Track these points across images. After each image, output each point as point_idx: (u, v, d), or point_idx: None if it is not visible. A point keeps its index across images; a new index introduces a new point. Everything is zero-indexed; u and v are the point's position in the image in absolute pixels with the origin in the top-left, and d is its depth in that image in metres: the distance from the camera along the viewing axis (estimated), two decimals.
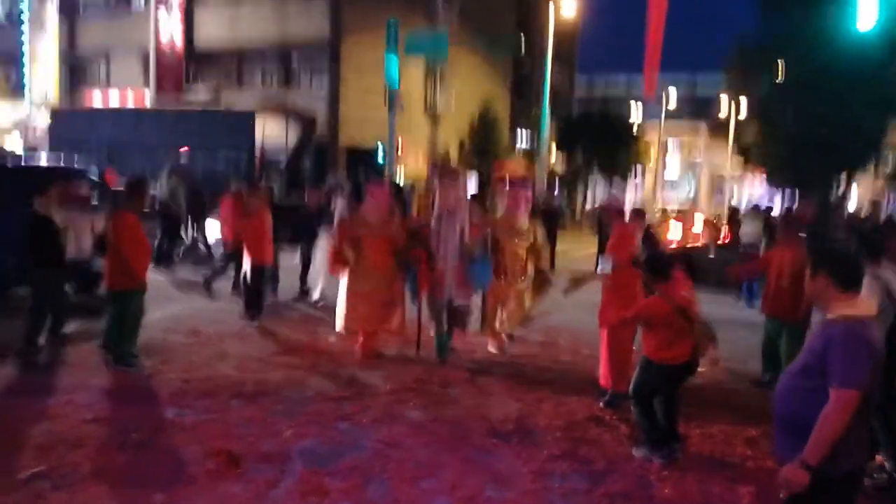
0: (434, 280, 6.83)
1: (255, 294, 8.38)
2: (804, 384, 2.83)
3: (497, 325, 7.38)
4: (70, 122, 10.77)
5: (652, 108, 47.45)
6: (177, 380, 6.14)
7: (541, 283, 7.53)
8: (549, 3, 24.89)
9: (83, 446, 4.69)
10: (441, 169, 6.78)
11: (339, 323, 7.16)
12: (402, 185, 16.24)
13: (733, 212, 19.33)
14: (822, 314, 2.99)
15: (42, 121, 21.93)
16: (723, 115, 36.04)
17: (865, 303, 2.94)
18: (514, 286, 7.28)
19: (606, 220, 9.38)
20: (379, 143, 20.80)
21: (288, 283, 9.88)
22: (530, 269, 7.37)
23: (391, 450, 4.79)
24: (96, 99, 27.10)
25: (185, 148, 15.09)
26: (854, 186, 25.22)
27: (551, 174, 26.24)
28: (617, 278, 5.92)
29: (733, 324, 8.19)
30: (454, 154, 28.46)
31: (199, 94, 18.79)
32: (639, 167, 36.64)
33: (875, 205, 25.18)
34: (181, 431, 4.99)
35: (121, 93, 23.96)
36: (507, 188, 8.02)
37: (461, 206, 6.87)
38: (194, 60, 26.17)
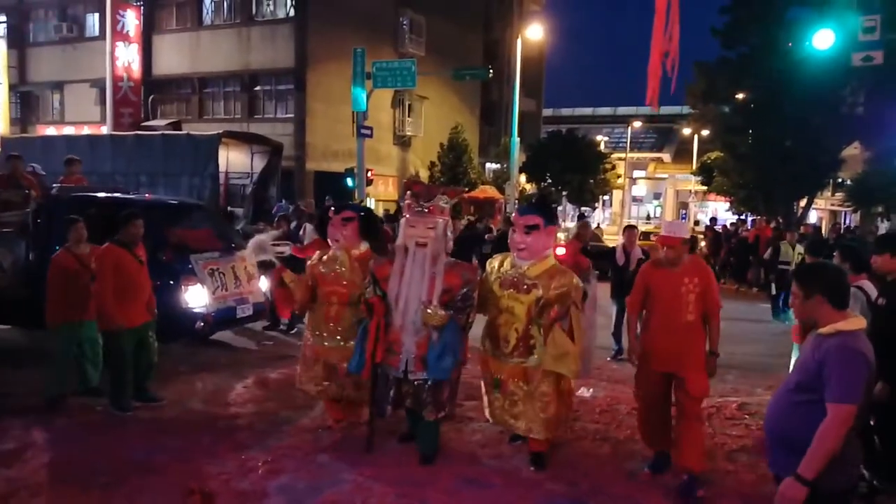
0: (387, 342, 4.73)
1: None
2: (798, 399, 2.84)
3: (498, 418, 4.94)
4: (21, 150, 10.31)
5: (616, 137, 48.47)
6: (146, 418, 5.86)
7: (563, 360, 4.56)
8: (515, 32, 25.18)
9: (45, 492, 4.42)
10: (413, 188, 4.86)
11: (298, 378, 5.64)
12: (372, 209, 15.68)
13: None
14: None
15: None
16: (685, 141, 36.83)
17: (858, 317, 2.94)
18: (507, 364, 4.74)
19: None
20: (346, 169, 20.65)
21: None
22: (538, 338, 4.64)
23: (372, 482, 4.58)
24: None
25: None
26: (812, 208, 25.79)
27: (522, 196, 26.30)
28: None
29: None
30: (424, 177, 28.41)
31: (158, 128, 18.44)
32: (606, 193, 36.97)
33: (834, 224, 25.71)
34: (151, 472, 4.73)
35: (76, 129, 23.40)
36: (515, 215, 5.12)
37: (438, 242, 4.68)
38: (153, 91, 25.80)
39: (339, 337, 5.24)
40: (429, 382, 4.67)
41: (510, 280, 4.71)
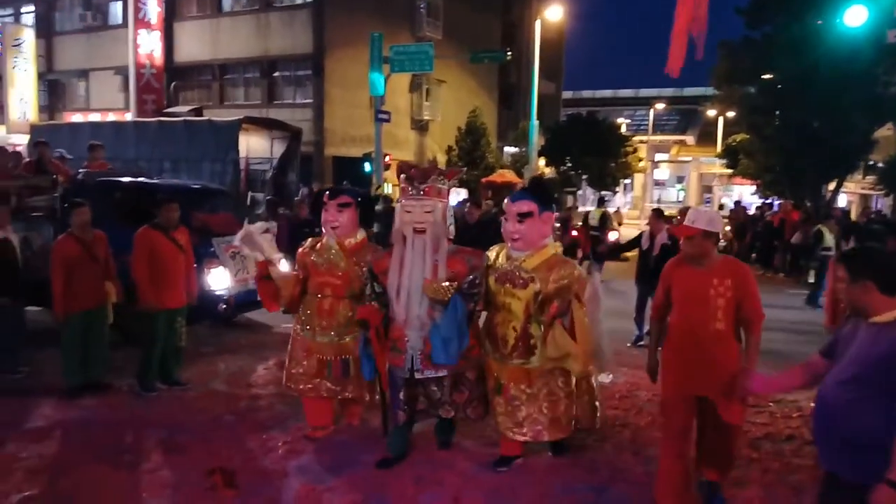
0: (390, 340, 4.39)
1: None
2: (859, 395, 2.68)
3: (502, 425, 4.52)
4: (49, 137, 10.50)
5: (638, 119, 47.97)
6: (169, 397, 6.01)
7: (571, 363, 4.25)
8: (534, 14, 24.97)
9: (74, 469, 4.54)
10: (408, 171, 4.41)
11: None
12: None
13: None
14: (859, 320, 2.84)
15: (22, 141, 21.66)
16: (710, 123, 36.28)
17: None
18: (508, 366, 4.36)
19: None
20: (364, 154, 20.72)
21: None
22: (538, 336, 4.25)
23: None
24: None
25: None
26: (841, 191, 25.33)
27: None
28: None
29: None
30: (442, 161, 28.36)
31: (180, 114, 18.60)
32: (628, 176, 36.69)
33: (864, 208, 25.25)
34: (174, 451, 4.83)
35: (101, 116, 23.68)
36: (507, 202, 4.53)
37: (438, 227, 4.29)
38: (175, 78, 25.99)
39: (333, 333, 4.83)
40: (441, 378, 4.37)
41: (505, 274, 4.29)
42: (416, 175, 4.34)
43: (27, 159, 9.73)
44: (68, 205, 6.28)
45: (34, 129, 14.61)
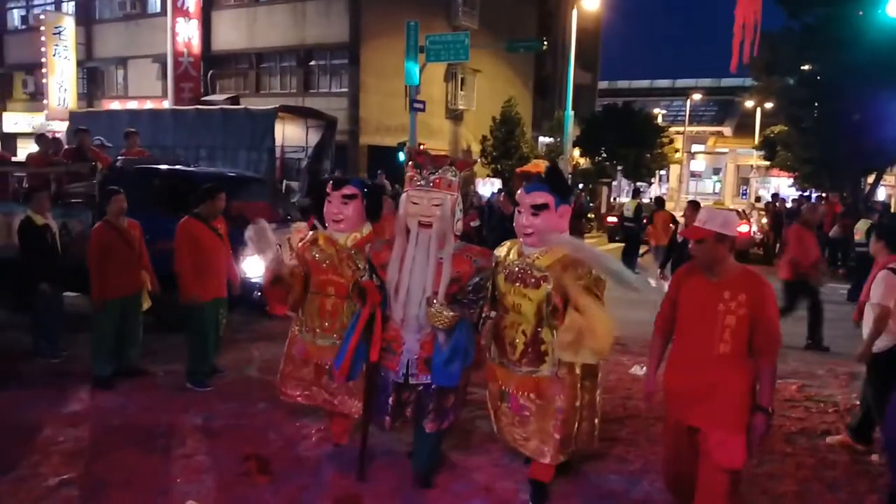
0: (384, 340, 4.01)
1: None
2: None
3: (507, 434, 4.06)
4: (88, 124, 10.66)
5: (674, 110, 47.28)
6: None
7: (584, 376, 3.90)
8: (571, 3, 24.67)
9: (110, 453, 4.61)
10: (416, 158, 4.04)
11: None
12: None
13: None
14: None
15: (60, 128, 22.10)
16: (747, 114, 35.63)
17: None
18: (515, 374, 3.91)
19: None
20: (399, 144, 20.71)
21: None
22: (550, 343, 3.80)
23: None
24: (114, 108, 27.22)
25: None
26: (881, 184, 24.71)
27: (576, 171, 25.95)
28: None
29: None
30: (476, 151, 28.23)
31: (217, 102, 18.80)
32: (663, 167, 36.20)
33: None
34: (209, 437, 4.88)
35: (139, 104, 24.04)
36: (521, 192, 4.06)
37: (445, 222, 3.86)
38: (212, 67, 26.23)
39: (335, 335, 4.39)
40: (433, 387, 3.93)
41: (516, 272, 3.85)
42: (426, 163, 3.94)
43: (67, 146, 9.89)
44: (105, 192, 6.29)
45: (73, 117, 14.87)
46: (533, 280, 3.77)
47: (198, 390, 5.82)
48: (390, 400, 4.02)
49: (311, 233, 4.65)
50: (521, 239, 3.95)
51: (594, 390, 3.97)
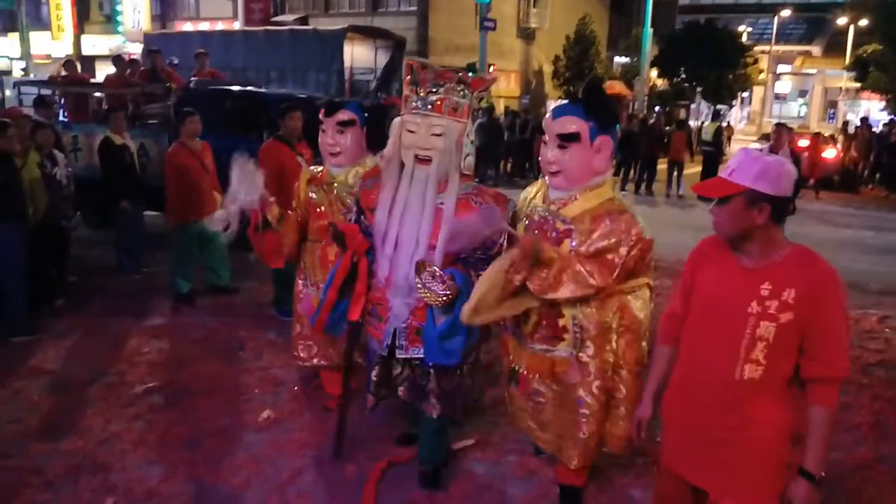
0: (369, 302, 3.21)
1: None
2: None
3: (520, 421, 3.24)
4: (161, 45, 10.77)
5: (760, 28, 44.64)
6: (266, 303, 6.10)
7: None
8: None
9: (192, 364, 4.81)
10: (417, 71, 3.01)
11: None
12: (480, 108, 14.97)
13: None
14: None
15: (136, 50, 22.50)
16: (839, 33, 33.39)
17: None
18: (526, 351, 3.04)
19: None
20: (468, 64, 20.25)
21: None
22: (568, 319, 2.90)
23: None
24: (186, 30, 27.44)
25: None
26: None
27: (652, 93, 24.98)
28: None
29: None
30: (548, 72, 27.44)
31: (286, 23, 18.70)
32: (746, 89, 34.49)
33: None
34: (285, 352, 4.97)
35: (210, 25, 24.15)
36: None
37: (449, 157, 2.96)
38: None
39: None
40: (430, 363, 3.06)
41: (536, 221, 2.96)
42: (426, 79, 2.99)
43: (142, 68, 10.04)
44: (180, 114, 6.32)
45: (147, 38, 15.05)
46: (554, 233, 2.87)
47: (281, 318, 5.48)
48: (373, 375, 3.26)
49: (311, 168, 4.06)
50: (545, 178, 3.00)
51: (637, 381, 2.89)
